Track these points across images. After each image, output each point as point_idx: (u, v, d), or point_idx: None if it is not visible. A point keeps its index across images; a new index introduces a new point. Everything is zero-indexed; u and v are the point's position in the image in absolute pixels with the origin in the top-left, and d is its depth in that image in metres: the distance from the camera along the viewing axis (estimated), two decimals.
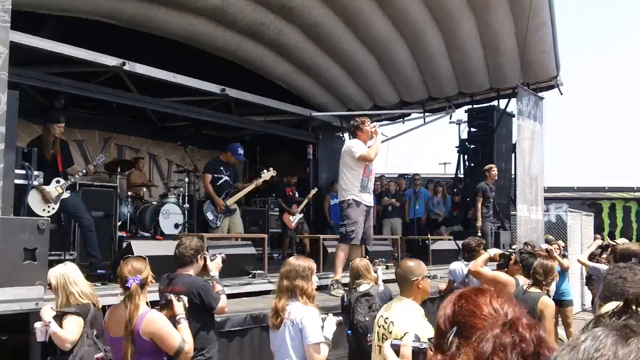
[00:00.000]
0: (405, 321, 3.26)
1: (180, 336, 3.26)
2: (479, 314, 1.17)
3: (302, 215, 10.60)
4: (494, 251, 5.25)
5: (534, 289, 4.60)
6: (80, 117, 10.44)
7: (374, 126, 6.75)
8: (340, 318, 3.87)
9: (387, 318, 3.52)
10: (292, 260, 3.79)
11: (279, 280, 3.74)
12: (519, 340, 1.09)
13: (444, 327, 1.21)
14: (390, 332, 3.40)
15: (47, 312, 3.57)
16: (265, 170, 8.14)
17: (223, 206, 7.70)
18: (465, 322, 1.17)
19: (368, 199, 6.76)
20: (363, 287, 4.67)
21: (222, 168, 7.93)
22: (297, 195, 11.00)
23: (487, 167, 10.36)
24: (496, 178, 10.22)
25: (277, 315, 3.59)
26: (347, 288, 5.69)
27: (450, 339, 1.16)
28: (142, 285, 3.28)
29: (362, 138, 6.71)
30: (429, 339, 1.31)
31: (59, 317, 3.53)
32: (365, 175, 6.64)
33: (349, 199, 6.58)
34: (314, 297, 3.69)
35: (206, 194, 8.07)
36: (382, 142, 13.42)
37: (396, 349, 1.35)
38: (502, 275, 4.85)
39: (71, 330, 3.48)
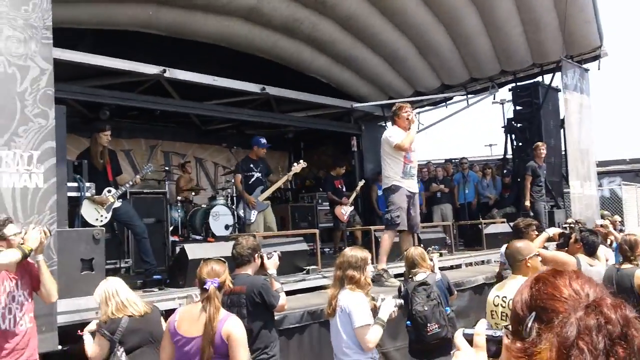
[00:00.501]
0: None
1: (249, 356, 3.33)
2: (559, 297, 1.10)
3: (352, 207, 10.56)
4: (552, 231, 5.07)
5: (626, 265, 4.71)
6: (125, 126, 10.66)
7: (410, 113, 6.62)
8: (402, 301, 3.91)
9: (504, 297, 3.66)
10: (347, 251, 3.92)
11: (334, 270, 3.89)
12: (604, 322, 1.02)
13: (521, 313, 1.14)
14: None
15: (90, 326, 3.82)
16: (295, 163, 8.27)
17: (254, 203, 7.81)
18: (545, 306, 1.11)
19: (411, 185, 6.64)
20: (420, 276, 4.59)
21: (251, 166, 8.08)
22: (344, 188, 10.95)
23: (535, 145, 10.08)
24: (544, 155, 9.89)
25: (329, 305, 3.79)
26: (401, 278, 5.63)
27: (530, 325, 1.10)
28: (220, 288, 3.31)
29: (400, 125, 6.61)
30: (505, 327, 1.24)
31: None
32: (407, 162, 6.54)
33: (391, 185, 6.52)
34: (365, 286, 3.76)
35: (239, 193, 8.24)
36: (426, 128, 13.42)
37: (469, 339, 1.28)
38: (561, 255, 4.69)
39: (93, 348, 3.73)
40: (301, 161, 8.24)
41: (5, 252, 3.39)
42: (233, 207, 9.28)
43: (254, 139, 8.44)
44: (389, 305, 3.69)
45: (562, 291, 1.11)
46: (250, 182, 7.98)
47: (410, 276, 4.71)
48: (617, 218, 10.78)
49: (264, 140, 8.32)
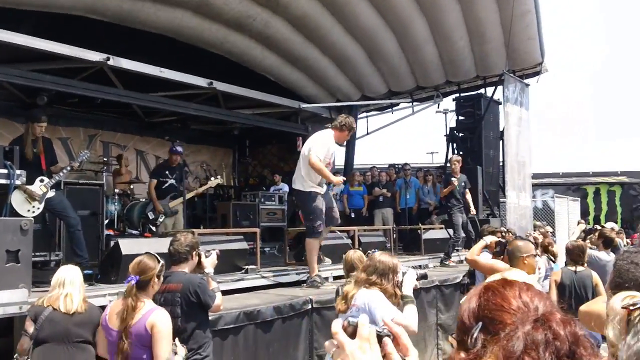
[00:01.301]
0: None
1: (170, 351, 3.33)
2: (507, 308, 1.07)
3: None
4: (490, 238, 5.19)
5: (579, 268, 5.58)
6: (64, 114, 10.30)
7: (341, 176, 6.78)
8: (424, 271, 3.88)
9: None
10: (376, 255, 3.74)
11: (358, 272, 3.76)
12: (552, 338, 0.99)
13: (468, 322, 1.10)
14: None
15: None
16: (213, 178, 8.79)
17: (161, 209, 8.14)
18: (493, 316, 1.07)
19: (322, 189, 6.65)
20: None
21: (167, 172, 8.31)
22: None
23: (449, 158, 10.46)
24: (459, 168, 9.83)
25: (343, 300, 3.73)
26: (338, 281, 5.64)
27: (475, 335, 1.06)
28: (143, 285, 3.37)
29: (337, 136, 6.56)
30: (450, 335, 1.19)
31: None
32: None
33: (310, 192, 6.47)
34: (392, 296, 3.57)
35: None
36: (371, 132, 13.56)
37: (352, 329, 1.16)
38: (499, 264, 4.79)
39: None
40: (219, 177, 8.73)
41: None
42: None
43: (170, 148, 8.66)
44: (412, 278, 3.58)
45: (511, 302, 1.08)
46: (163, 187, 8.23)
47: (348, 279, 4.70)
48: (549, 229, 11.18)
49: (180, 148, 8.53)
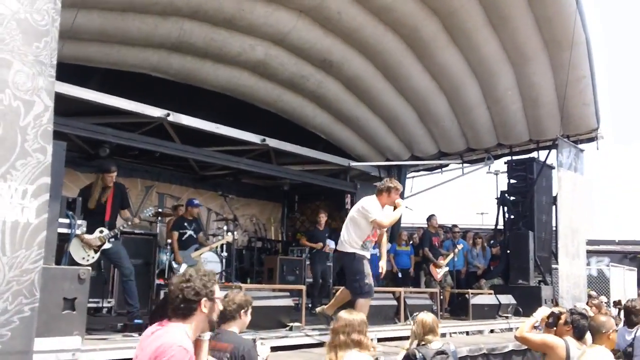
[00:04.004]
0: None
1: None
2: None
3: (447, 268, 10.83)
4: (541, 314, 4.99)
5: None
6: (123, 165, 10.67)
7: (398, 197, 6.51)
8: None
9: None
10: (343, 314, 3.75)
11: (333, 335, 3.70)
12: None
13: None
14: None
15: None
16: (229, 232, 8.84)
17: (180, 260, 8.32)
18: None
19: (367, 254, 6.53)
20: (435, 344, 4.44)
21: (185, 224, 8.51)
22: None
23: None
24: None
25: None
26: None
27: None
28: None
29: (383, 201, 6.46)
30: None
31: None
32: (369, 238, 6.42)
33: (354, 254, 6.35)
34: (371, 348, 3.65)
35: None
36: (420, 192, 13.51)
37: None
38: (549, 338, 4.62)
39: None
40: (230, 232, 8.73)
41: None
42: (222, 254, 9.24)
43: (188, 201, 9.09)
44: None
45: None
46: (183, 239, 8.43)
47: (423, 343, 4.58)
48: (603, 299, 10.77)
49: (197, 202, 9.00)
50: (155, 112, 8.71)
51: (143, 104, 8.59)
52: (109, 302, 7.30)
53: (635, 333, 5.44)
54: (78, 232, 5.51)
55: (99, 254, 5.96)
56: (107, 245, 6.03)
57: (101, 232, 6.05)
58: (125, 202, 6.67)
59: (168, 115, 8.79)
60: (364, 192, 12.21)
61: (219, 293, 2.69)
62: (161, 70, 9.40)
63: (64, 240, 5.34)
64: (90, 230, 5.87)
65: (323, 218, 10.63)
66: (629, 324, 5.61)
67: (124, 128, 8.79)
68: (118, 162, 10.02)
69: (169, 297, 2.73)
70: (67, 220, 5.34)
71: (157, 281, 8.30)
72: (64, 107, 6.77)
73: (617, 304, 8.59)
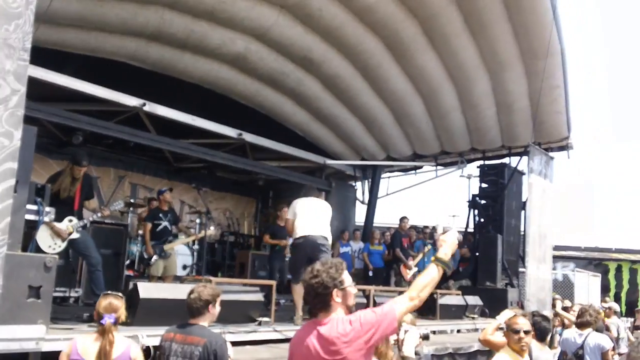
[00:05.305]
0: None
1: None
2: None
3: (416, 269, 10.76)
4: (504, 317, 5.06)
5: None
6: (96, 154, 10.57)
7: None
8: (427, 331, 3.67)
9: None
10: None
11: None
12: None
13: None
14: None
15: None
16: (212, 227, 8.80)
17: (151, 252, 8.10)
18: None
19: None
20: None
21: (160, 215, 8.29)
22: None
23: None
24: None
25: None
26: None
27: None
28: (116, 323, 3.61)
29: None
30: None
31: None
32: None
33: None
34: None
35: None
36: (393, 193, 13.64)
37: None
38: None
39: None
40: (212, 227, 8.69)
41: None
42: (194, 247, 9.21)
43: (157, 192, 8.94)
44: (414, 337, 3.50)
45: None
46: (157, 230, 8.22)
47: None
48: (568, 303, 10.97)
49: (165, 189, 8.85)
50: (131, 101, 8.63)
51: (119, 93, 8.50)
52: (76, 292, 7.20)
53: (586, 336, 5.57)
54: (46, 219, 5.44)
55: (66, 243, 5.89)
56: (74, 235, 5.96)
57: (70, 221, 5.97)
58: (90, 193, 6.58)
59: (144, 105, 8.71)
60: (339, 190, 12.33)
61: (349, 280, 2.68)
62: (139, 59, 9.31)
63: (31, 227, 5.26)
64: (58, 219, 5.80)
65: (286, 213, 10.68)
66: (581, 325, 5.72)
67: (99, 116, 8.67)
68: (91, 150, 9.98)
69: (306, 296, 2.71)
70: (35, 207, 5.26)
71: (127, 272, 8.23)
72: (37, 91, 6.68)
73: (567, 309, 8.75)
